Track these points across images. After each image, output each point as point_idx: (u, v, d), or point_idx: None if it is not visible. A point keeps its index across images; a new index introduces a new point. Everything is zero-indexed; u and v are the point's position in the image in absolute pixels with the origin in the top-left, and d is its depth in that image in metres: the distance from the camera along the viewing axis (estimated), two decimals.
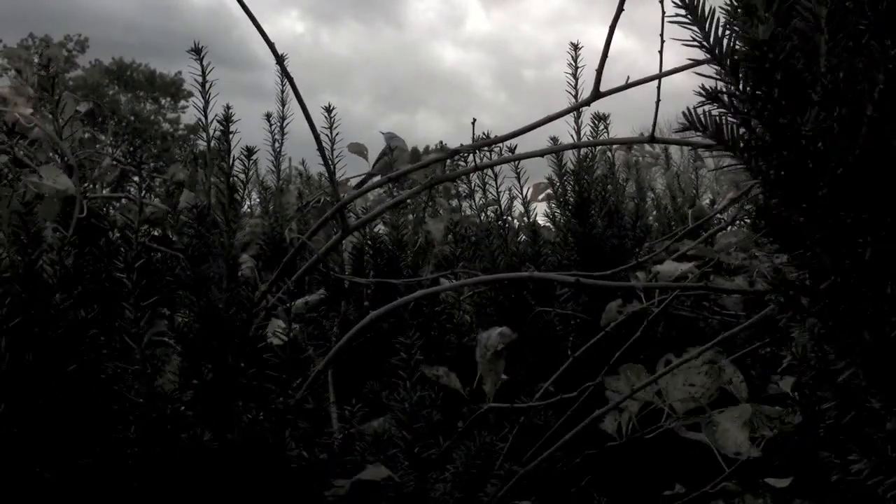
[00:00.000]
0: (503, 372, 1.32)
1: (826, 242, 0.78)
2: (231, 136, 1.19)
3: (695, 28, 0.80)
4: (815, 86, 0.75)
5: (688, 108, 0.82)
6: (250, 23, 1.31)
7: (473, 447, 1.16)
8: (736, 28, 0.78)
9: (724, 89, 0.80)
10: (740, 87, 0.78)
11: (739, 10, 0.79)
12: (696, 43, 0.80)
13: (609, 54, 1.44)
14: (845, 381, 0.79)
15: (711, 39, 0.79)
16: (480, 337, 1.30)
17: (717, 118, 0.81)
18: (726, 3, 0.81)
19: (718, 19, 0.79)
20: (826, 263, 0.78)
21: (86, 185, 1.46)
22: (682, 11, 0.80)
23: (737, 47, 0.78)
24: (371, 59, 62.39)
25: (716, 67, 0.80)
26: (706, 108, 0.83)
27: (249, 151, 1.25)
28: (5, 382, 1.00)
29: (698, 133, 0.83)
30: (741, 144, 0.80)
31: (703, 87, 0.82)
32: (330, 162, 1.50)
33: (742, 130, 0.81)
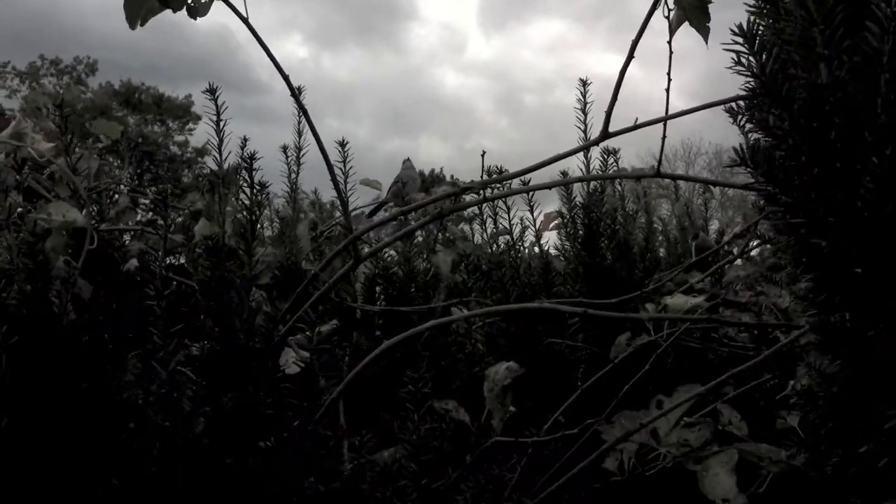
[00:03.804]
0: (511, 404, 1.33)
1: (876, 290, 0.76)
2: (254, 173, 1.22)
3: (751, 59, 0.78)
4: (871, 126, 0.73)
5: (739, 146, 0.81)
6: (255, 47, 1.35)
7: (482, 479, 1.17)
8: (794, 63, 0.76)
9: (774, 123, 0.78)
10: (794, 122, 0.76)
11: (795, 43, 0.77)
12: (749, 73, 0.78)
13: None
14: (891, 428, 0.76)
15: (768, 71, 0.77)
16: (488, 372, 1.31)
17: (770, 155, 0.79)
18: (775, 28, 0.80)
19: (776, 53, 0.77)
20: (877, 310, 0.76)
21: (95, 212, 1.49)
22: (740, 40, 0.78)
23: (792, 81, 0.76)
24: (373, 84, 62.89)
25: (766, 100, 0.78)
26: (753, 142, 0.80)
27: (263, 186, 1.28)
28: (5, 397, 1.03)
29: (748, 169, 0.81)
30: (794, 183, 0.78)
31: (754, 118, 0.81)
32: (343, 195, 1.53)
33: (791, 163, 0.78)
